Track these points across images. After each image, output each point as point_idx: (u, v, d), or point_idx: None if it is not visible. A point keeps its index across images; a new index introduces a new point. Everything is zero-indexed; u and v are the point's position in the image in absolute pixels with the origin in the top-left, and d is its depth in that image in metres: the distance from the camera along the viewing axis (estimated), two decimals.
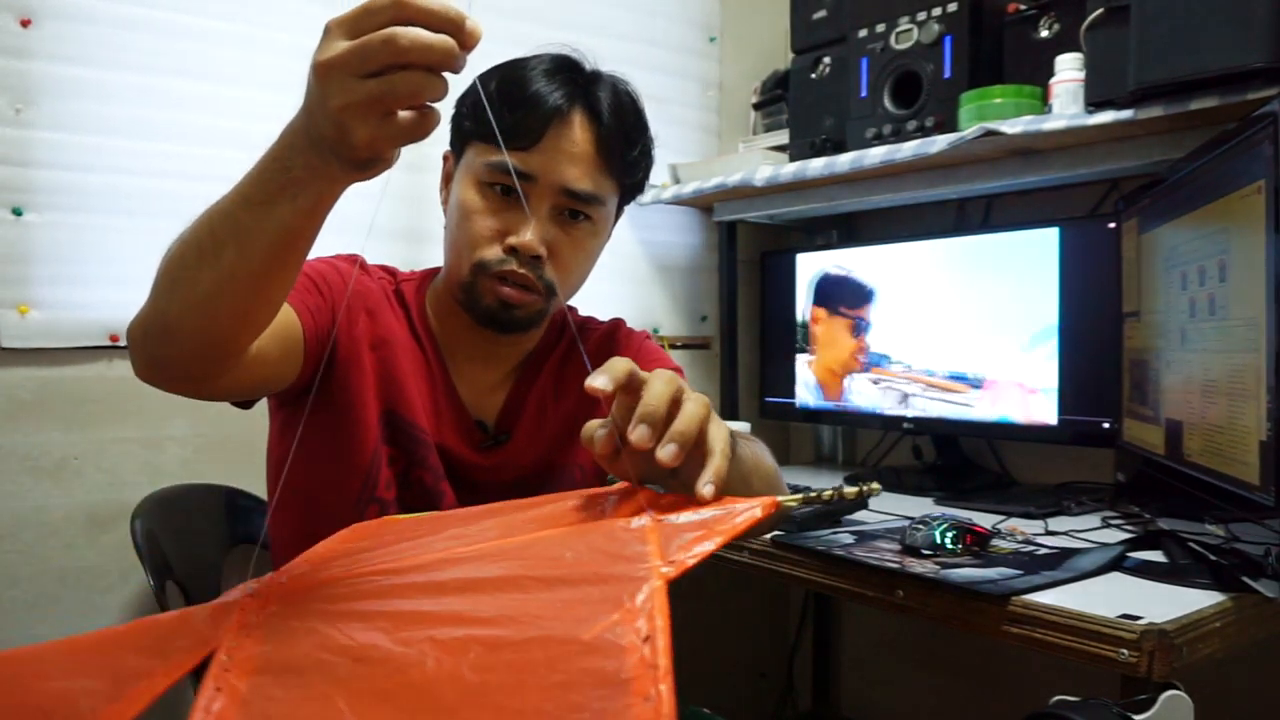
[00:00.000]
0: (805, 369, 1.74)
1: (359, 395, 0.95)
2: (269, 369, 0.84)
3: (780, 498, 0.61)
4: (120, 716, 0.52)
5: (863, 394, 1.64)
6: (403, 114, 0.56)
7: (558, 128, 0.92)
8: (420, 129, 0.57)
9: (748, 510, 0.59)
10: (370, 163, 0.59)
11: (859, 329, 1.65)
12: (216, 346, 0.72)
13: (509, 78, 0.93)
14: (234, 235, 0.64)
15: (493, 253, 0.93)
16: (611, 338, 1.10)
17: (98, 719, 0.52)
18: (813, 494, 0.65)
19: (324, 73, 0.55)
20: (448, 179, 1.02)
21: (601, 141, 0.94)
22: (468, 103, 0.96)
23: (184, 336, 0.70)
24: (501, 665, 0.48)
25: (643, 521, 0.60)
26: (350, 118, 0.55)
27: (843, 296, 1.68)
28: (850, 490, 0.65)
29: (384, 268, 1.05)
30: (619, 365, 0.62)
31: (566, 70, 0.95)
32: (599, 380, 0.61)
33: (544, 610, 0.52)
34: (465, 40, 0.54)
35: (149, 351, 0.73)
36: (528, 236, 0.92)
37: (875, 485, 0.67)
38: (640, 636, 0.46)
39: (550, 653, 0.48)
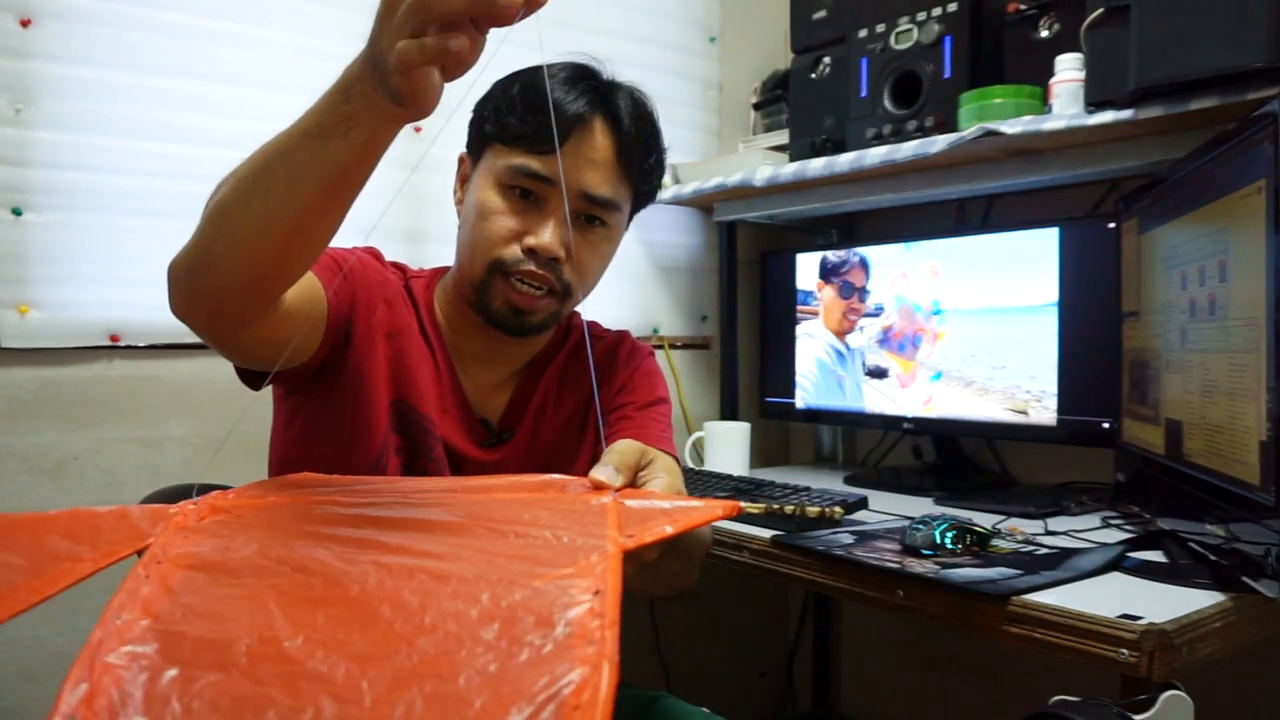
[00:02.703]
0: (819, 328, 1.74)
1: (371, 382, 0.95)
2: (295, 330, 0.85)
3: (743, 503, 0.62)
4: (37, 592, 0.52)
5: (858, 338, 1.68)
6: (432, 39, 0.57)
7: (580, 134, 0.94)
8: (441, 51, 0.56)
9: (708, 509, 0.60)
10: (401, 93, 0.59)
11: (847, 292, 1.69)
12: (255, 285, 0.73)
13: (530, 83, 0.94)
14: (287, 170, 0.65)
15: (510, 252, 0.94)
16: (614, 352, 1.11)
17: (14, 592, 0.52)
18: (775, 507, 0.65)
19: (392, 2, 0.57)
20: (463, 180, 1.03)
21: (621, 148, 0.96)
22: (488, 106, 0.97)
23: (225, 271, 0.71)
24: (446, 594, 0.48)
25: (604, 500, 0.60)
26: (387, 33, 0.57)
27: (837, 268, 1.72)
28: (813, 510, 0.66)
29: (394, 264, 1.06)
30: (628, 456, 0.67)
31: (586, 78, 0.96)
32: (602, 474, 0.65)
33: (495, 555, 0.53)
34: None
35: (190, 286, 0.74)
36: (547, 238, 0.93)
37: (839, 510, 0.69)
38: (591, 591, 0.47)
39: (496, 591, 0.48)
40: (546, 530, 0.55)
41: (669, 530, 0.56)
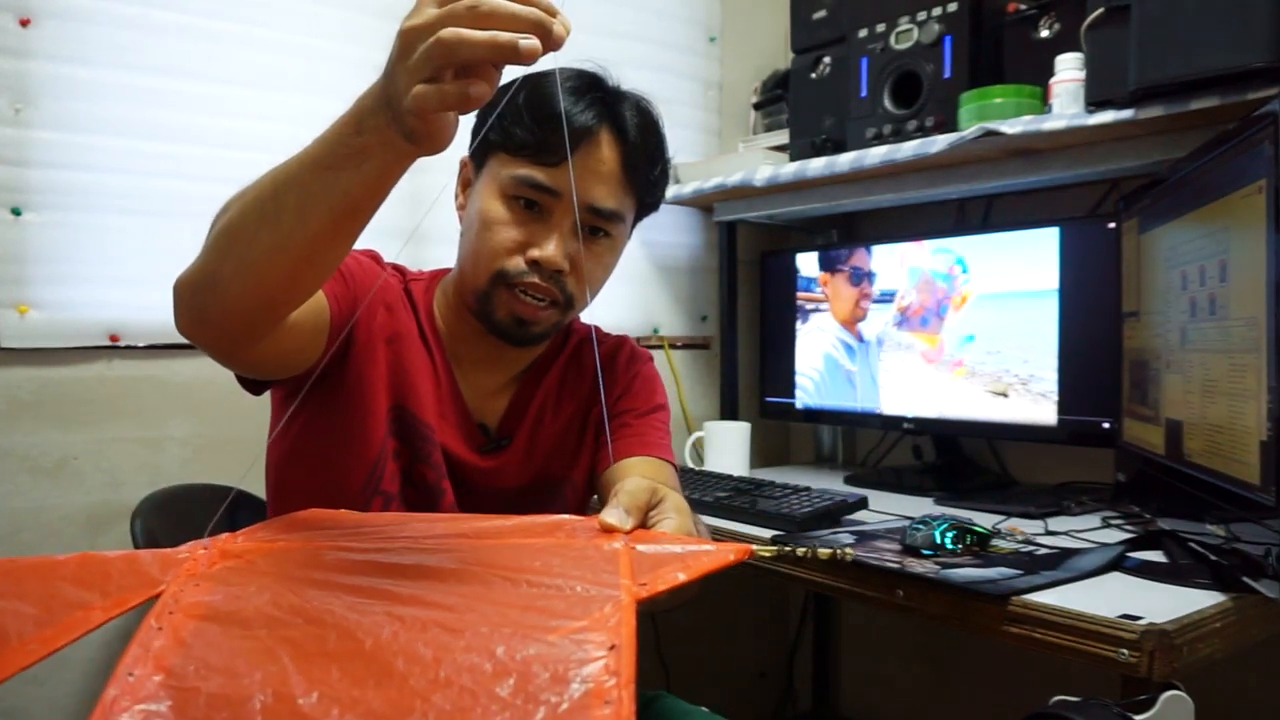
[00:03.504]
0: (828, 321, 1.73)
1: (370, 387, 0.95)
2: (300, 342, 0.85)
3: (755, 547, 0.62)
4: (49, 643, 0.51)
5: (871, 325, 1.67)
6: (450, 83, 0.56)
7: (586, 147, 0.93)
8: (461, 98, 0.56)
9: (721, 554, 0.60)
10: (416, 133, 0.58)
11: (857, 278, 1.68)
12: (263, 309, 0.73)
13: (536, 92, 0.93)
14: (298, 198, 0.64)
15: (514, 264, 0.94)
16: (614, 358, 1.11)
17: (24, 642, 0.51)
18: (788, 549, 0.66)
19: (409, 38, 0.56)
20: (465, 184, 1.02)
21: (627, 160, 0.95)
22: (493, 112, 0.96)
23: (233, 295, 0.70)
24: (460, 647, 0.48)
25: (615, 546, 0.60)
26: (403, 74, 0.56)
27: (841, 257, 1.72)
28: (824, 552, 0.67)
29: (394, 266, 1.06)
30: (638, 497, 0.66)
31: (593, 88, 0.95)
32: (613, 517, 0.64)
33: (508, 606, 0.52)
34: (555, 38, 0.55)
35: (196, 306, 0.74)
36: (551, 250, 0.92)
37: (849, 551, 0.70)
38: (605, 646, 0.47)
39: (511, 645, 0.48)
40: (559, 579, 0.55)
41: (681, 577, 0.56)
